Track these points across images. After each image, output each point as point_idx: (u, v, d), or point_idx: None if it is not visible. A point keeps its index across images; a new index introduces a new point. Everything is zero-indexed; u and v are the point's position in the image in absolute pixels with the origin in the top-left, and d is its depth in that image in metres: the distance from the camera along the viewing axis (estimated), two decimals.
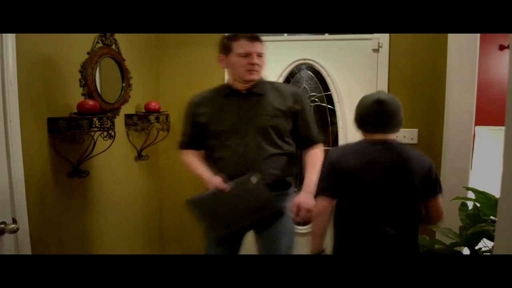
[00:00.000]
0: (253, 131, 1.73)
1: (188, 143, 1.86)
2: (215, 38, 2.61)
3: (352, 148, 1.55)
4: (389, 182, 1.46)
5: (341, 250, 1.56)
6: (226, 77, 2.73)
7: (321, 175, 1.56)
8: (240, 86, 1.75)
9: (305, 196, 1.66)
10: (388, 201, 1.46)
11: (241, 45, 1.67)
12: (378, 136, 1.50)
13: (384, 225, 1.45)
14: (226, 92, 1.78)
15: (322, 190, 1.54)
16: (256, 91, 1.75)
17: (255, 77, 1.71)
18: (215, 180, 1.67)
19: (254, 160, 1.72)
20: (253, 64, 1.68)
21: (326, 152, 1.65)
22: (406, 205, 1.48)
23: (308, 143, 1.82)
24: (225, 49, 1.72)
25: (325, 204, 1.52)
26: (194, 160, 1.83)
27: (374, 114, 1.48)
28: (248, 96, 1.75)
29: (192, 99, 1.83)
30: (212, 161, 1.79)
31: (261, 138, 1.72)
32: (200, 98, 1.82)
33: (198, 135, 1.81)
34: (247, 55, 1.67)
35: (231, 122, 1.73)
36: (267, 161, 1.73)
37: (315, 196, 1.58)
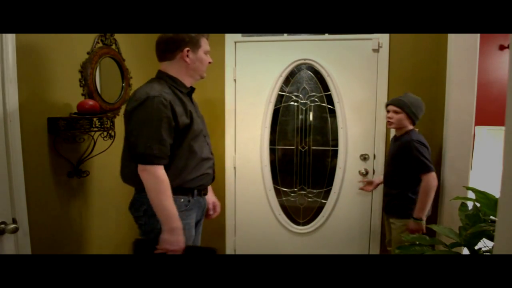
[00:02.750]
0: (206, 129, 1.74)
1: (165, 155, 1.50)
2: (215, 38, 2.63)
3: (421, 135, 2.15)
4: None
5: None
6: (226, 76, 2.73)
7: (427, 156, 2.04)
8: (188, 83, 1.66)
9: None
10: None
11: (207, 43, 1.66)
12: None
13: None
14: (185, 88, 1.64)
15: (433, 167, 2.04)
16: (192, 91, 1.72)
17: None
18: (181, 242, 1.48)
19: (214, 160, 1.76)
20: (209, 63, 1.69)
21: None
22: None
23: None
24: (194, 44, 1.61)
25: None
26: (169, 188, 1.50)
27: None
28: (189, 94, 1.69)
29: (162, 97, 1.49)
30: (189, 166, 1.60)
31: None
32: (170, 96, 1.54)
33: (170, 143, 1.53)
34: (207, 53, 1.67)
35: (200, 120, 1.69)
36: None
37: (427, 172, 2.01)
